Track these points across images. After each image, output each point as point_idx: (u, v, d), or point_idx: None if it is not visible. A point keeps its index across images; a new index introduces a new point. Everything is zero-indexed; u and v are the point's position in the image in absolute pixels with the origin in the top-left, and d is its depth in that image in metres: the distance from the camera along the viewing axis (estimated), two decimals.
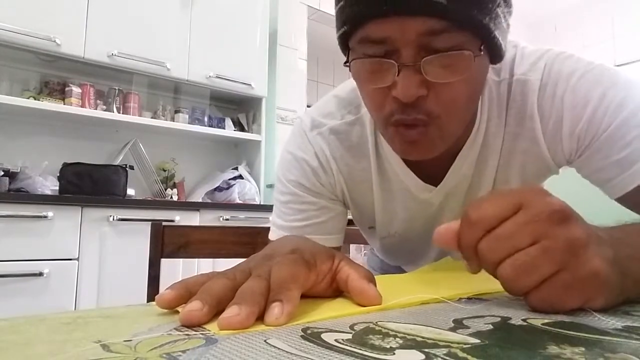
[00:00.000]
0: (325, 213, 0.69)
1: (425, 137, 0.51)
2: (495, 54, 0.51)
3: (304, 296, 0.33)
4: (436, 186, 0.65)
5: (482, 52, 0.47)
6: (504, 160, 0.62)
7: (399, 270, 0.91)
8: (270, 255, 0.37)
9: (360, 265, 0.39)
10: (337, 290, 0.38)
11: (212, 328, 0.28)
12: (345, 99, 0.67)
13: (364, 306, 0.34)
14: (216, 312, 0.30)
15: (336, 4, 0.50)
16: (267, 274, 0.33)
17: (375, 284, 0.36)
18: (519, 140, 0.60)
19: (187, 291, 0.33)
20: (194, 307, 0.29)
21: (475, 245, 0.34)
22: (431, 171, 0.64)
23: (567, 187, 0.70)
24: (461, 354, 0.22)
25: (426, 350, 0.23)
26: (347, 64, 0.52)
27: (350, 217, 0.77)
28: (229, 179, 2.54)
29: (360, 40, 0.49)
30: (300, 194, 0.68)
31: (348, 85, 0.68)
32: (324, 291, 0.38)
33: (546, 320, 0.30)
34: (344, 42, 0.52)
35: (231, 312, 0.28)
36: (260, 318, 0.29)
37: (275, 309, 0.29)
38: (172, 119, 2.51)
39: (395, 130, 0.52)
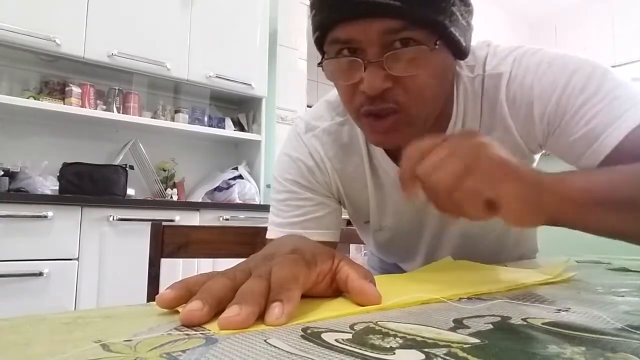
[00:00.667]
0: (322, 208, 0.72)
1: (395, 126, 0.55)
2: (456, 49, 0.56)
3: (304, 296, 0.33)
4: None
5: (437, 46, 0.52)
6: None
7: (399, 269, 0.91)
8: (271, 255, 0.38)
9: (360, 265, 0.39)
10: (337, 290, 0.38)
11: (212, 328, 0.28)
12: (334, 102, 0.72)
13: (364, 306, 0.34)
14: (216, 312, 0.30)
15: (310, 12, 0.57)
16: (268, 273, 0.33)
17: (374, 284, 0.36)
18: (494, 132, 0.63)
19: (188, 291, 0.33)
20: (194, 307, 0.29)
21: (411, 170, 0.42)
22: None
23: None
24: (461, 354, 0.22)
25: (426, 350, 0.23)
26: (320, 64, 0.58)
27: (345, 216, 0.78)
28: (229, 179, 2.54)
29: (331, 42, 0.55)
30: (297, 191, 0.71)
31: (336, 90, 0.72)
32: (324, 291, 0.38)
33: (546, 320, 0.30)
34: (320, 46, 0.58)
35: (231, 312, 0.28)
36: (261, 318, 0.29)
37: (275, 309, 0.29)
38: (172, 119, 2.51)
39: (366, 121, 0.57)
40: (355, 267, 0.38)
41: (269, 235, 0.73)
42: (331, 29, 0.54)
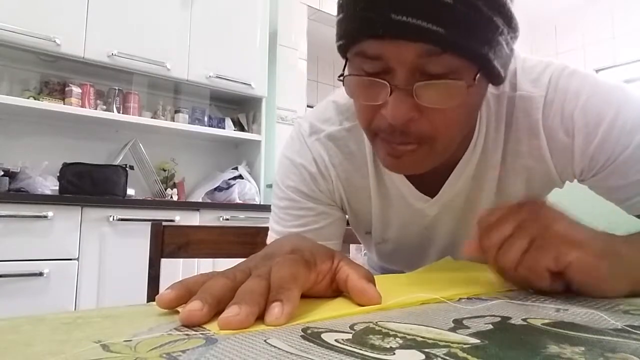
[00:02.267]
0: (323, 219, 0.68)
1: (412, 156, 0.51)
2: (493, 79, 0.50)
3: (304, 296, 0.33)
4: (432, 197, 0.64)
5: (475, 82, 0.46)
6: (504, 176, 0.61)
7: (399, 270, 0.91)
8: (270, 255, 0.37)
9: (360, 265, 0.39)
10: (337, 290, 0.38)
11: (212, 328, 0.28)
12: (343, 105, 0.67)
13: (364, 306, 0.34)
14: (216, 312, 0.30)
15: (338, 14, 0.50)
16: (267, 273, 0.33)
17: (374, 284, 0.36)
18: (521, 158, 0.59)
19: (188, 291, 0.33)
20: (194, 307, 0.29)
21: (479, 243, 0.42)
22: (429, 181, 0.63)
23: (577, 197, 0.69)
24: (461, 354, 0.22)
25: (426, 350, 0.23)
26: (341, 78, 0.51)
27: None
28: (229, 179, 2.54)
29: (357, 53, 0.48)
30: (298, 200, 0.68)
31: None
32: (324, 291, 0.38)
33: (546, 321, 0.30)
34: (343, 52, 0.52)
35: (231, 312, 0.28)
36: (260, 318, 0.29)
37: (275, 309, 0.29)
38: (172, 119, 2.51)
39: (382, 145, 0.52)
40: (355, 267, 0.38)
41: (269, 241, 0.71)
42: (359, 40, 0.47)
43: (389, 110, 0.47)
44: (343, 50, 0.51)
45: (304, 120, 0.70)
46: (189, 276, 0.35)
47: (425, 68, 0.45)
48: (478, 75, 0.46)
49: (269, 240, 0.72)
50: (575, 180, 0.61)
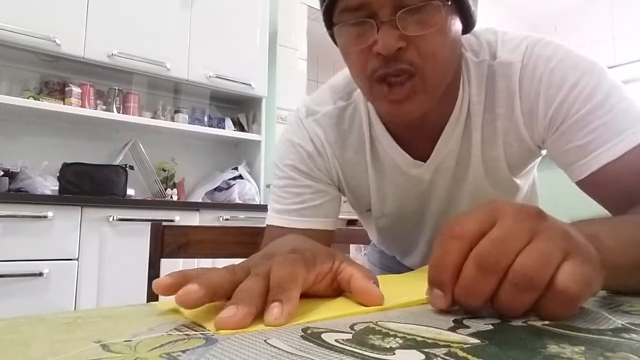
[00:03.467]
0: (321, 196, 0.71)
1: (410, 93, 0.55)
2: (465, 17, 0.57)
3: (303, 296, 0.33)
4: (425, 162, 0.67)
5: (449, 2, 0.53)
6: (486, 138, 0.64)
7: (399, 265, 0.91)
8: (270, 254, 0.37)
9: (362, 265, 0.39)
10: (337, 290, 0.38)
11: (212, 328, 0.28)
12: (337, 86, 0.72)
13: (367, 306, 0.34)
14: (211, 300, 0.31)
15: None
16: (266, 273, 0.33)
17: (377, 284, 0.36)
18: (499, 120, 0.63)
19: (185, 280, 0.33)
20: (191, 289, 0.30)
21: (458, 262, 0.30)
22: (419, 148, 0.67)
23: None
24: (461, 354, 0.22)
25: (426, 350, 0.23)
26: (330, 30, 0.58)
27: (345, 215, 0.77)
28: (229, 179, 2.54)
29: (341, 11, 0.55)
30: (296, 178, 0.71)
31: (341, 75, 0.72)
32: (323, 291, 0.38)
33: (546, 322, 0.30)
34: (329, 18, 0.58)
35: (228, 312, 0.28)
36: (260, 317, 0.29)
37: (274, 310, 0.29)
38: (172, 119, 2.51)
39: (381, 90, 0.56)
40: (357, 267, 0.38)
41: (268, 221, 0.73)
42: None
43: (379, 44, 0.52)
44: (329, 13, 0.58)
45: (301, 105, 0.75)
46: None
47: (403, 3, 0.52)
48: (449, 1, 0.53)
49: (268, 220, 0.73)
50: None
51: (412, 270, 0.89)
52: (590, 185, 0.57)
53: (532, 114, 0.61)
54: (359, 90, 0.68)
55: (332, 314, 0.32)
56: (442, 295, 0.31)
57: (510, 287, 0.29)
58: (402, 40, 0.52)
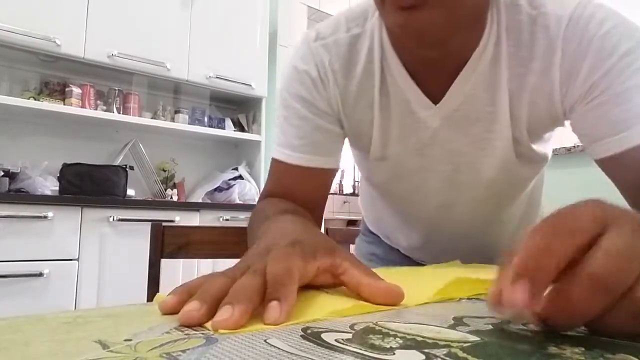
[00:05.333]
0: (322, 133, 0.68)
1: (422, 2, 0.48)
2: None
3: (303, 287, 0.33)
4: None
5: None
6: (513, 92, 0.59)
7: (389, 252, 0.89)
8: (268, 248, 0.37)
9: (364, 265, 0.38)
10: (335, 285, 0.38)
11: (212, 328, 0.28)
12: (353, 13, 0.66)
13: (389, 305, 0.34)
14: (215, 311, 0.30)
15: None
16: (263, 269, 0.33)
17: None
18: (531, 75, 0.57)
19: (189, 295, 0.32)
20: (192, 308, 0.29)
21: (562, 264, 0.24)
22: (435, 91, 0.61)
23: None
24: (461, 354, 0.22)
25: (426, 350, 0.23)
26: None
27: (343, 216, 0.75)
28: (229, 179, 2.54)
29: None
30: (299, 109, 0.67)
31: (359, 2, 0.67)
32: (321, 284, 0.37)
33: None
34: None
35: (224, 313, 0.28)
36: (258, 317, 0.29)
37: (272, 309, 0.29)
38: (172, 119, 2.51)
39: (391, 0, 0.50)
40: (361, 269, 0.37)
41: (274, 155, 0.71)
42: None
43: None
44: None
45: (312, 29, 0.69)
46: (188, 276, 0.36)
47: None
48: None
49: (274, 154, 0.71)
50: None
51: (406, 262, 0.89)
52: (615, 165, 0.53)
53: (570, 75, 0.55)
54: (375, 17, 0.62)
55: (330, 310, 0.32)
56: (528, 290, 0.23)
57: (625, 314, 0.23)
58: None
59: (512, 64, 0.57)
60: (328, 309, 0.32)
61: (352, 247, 1.16)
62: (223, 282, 0.32)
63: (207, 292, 0.31)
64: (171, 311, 0.32)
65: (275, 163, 0.70)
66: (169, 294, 0.33)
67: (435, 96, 0.61)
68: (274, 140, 0.72)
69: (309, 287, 0.36)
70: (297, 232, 0.41)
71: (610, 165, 0.55)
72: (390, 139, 0.67)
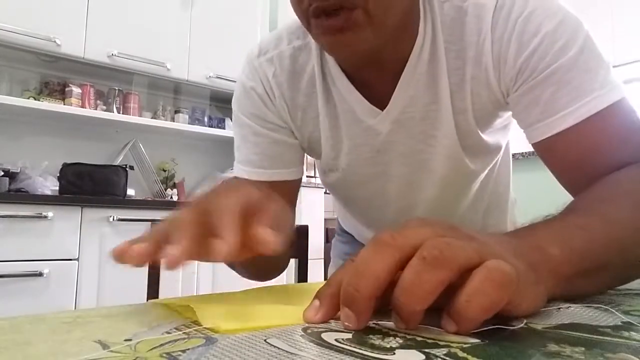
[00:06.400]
0: (279, 146, 0.67)
1: (349, 23, 0.48)
2: None
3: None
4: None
5: None
6: (455, 87, 0.59)
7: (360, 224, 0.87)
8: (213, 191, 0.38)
9: (280, 215, 0.37)
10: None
11: (212, 328, 0.28)
12: (293, 25, 0.66)
13: (261, 253, 0.33)
14: (159, 246, 0.32)
15: None
16: (202, 205, 0.34)
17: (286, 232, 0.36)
18: (468, 65, 0.57)
19: (156, 244, 0.33)
20: (138, 247, 0.32)
21: (392, 270, 0.26)
22: (380, 97, 0.61)
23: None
24: (461, 354, 0.22)
25: (426, 350, 0.23)
26: None
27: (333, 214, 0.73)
28: None
29: None
30: (252, 125, 0.67)
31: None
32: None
33: (546, 321, 0.30)
34: None
35: (169, 251, 0.29)
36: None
37: (217, 245, 0.30)
38: (172, 119, 2.51)
39: (318, 23, 0.50)
40: (271, 215, 0.36)
41: (234, 173, 0.71)
42: None
43: None
44: None
45: (255, 45, 0.70)
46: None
47: None
48: None
49: (234, 172, 0.71)
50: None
51: None
52: (548, 150, 0.54)
53: (501, 60, 0.55)
54: None
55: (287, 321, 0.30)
56: (317, 306, 0.30)
57: (417, 261, 0.26)
58: None
59: (450, 57, 0.57)
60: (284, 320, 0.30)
61: None
62: (165, 224, 0.34)
63: (151, 235, 0.33)
64: (139, 262, 0.33)
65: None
66: (136, 246, 0.34)
67: (380, 101, 0.61)
68: (235, 157, 0.71)
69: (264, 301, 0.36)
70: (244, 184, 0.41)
71: (544, 152, 0.54)
72: (341, 149, 0.67)
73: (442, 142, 0.62)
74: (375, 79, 0.60)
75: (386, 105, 0.60)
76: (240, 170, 0.69)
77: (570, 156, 0.52)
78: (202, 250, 0.31)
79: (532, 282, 0.30)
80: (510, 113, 0.63)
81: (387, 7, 0.50)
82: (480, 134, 0.62)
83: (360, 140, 0.65)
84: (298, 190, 0.73)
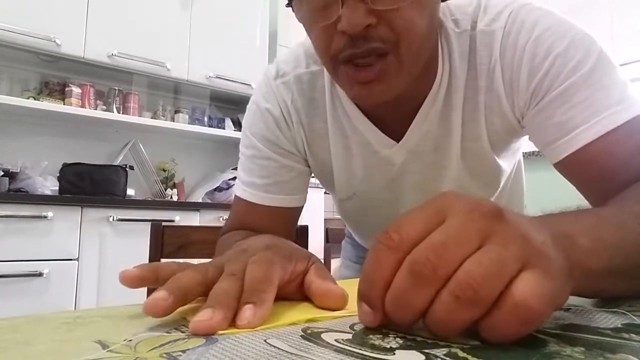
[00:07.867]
0: (287, 172, 0.67)
1: (381, 75, 0.48)
2: None
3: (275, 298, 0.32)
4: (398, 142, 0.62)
5: None
6: (468, 117, 0.59)
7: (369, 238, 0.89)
8: (245, 249, 0.36)
9: (327, 271, 0.37)
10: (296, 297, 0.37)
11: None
12: (311, 47, 0.63)
13: (331, 309, 0.33)
14: (182, 304, 0.30)
15: None
16: (241, 272, 0.32)
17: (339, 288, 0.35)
18: (481, 94, 0.57)
19: (154, 274, 0.32)
20: (160, 297, 0.29)
21: (391, 277, 0.25)
22: (394, 127, 0.61)
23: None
24: (461, 354, 0.22)
25: (426, 350, 0.23)
26: (290, 4, 0.51)
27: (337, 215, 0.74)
28: (229, 179, 2.53)
29: None
30: (262, 149, 0.66)
31: None
32: (294, 293, 0.36)
33: (547, 325, 0.30)
34: None
35: (204, 315, 0.27)
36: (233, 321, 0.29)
37: (247, 312, 0.28)
38: (172, 119, 2.51)
39: (346, 73, 0.50)
40: (322, 274, 0.36)
41: (237, 192, 0.70)
42: None
43: (344, 21, 0.45)
44: None
45: (272, 65, 0.69)
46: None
47: None
48: None
49: (236, 190, 0.70)
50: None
51: None
52: (569, 167, 0.53)
53: (513, 86, 0.55)
54: None
55: (332, 314, 0.32)
56: (371, 312, 0.26)
57: (449, 298, 0.23)
58: (371, 15, 0.45)
59: (466, 87, 0.58)
60: (330, 313, 0.32)
61: None
62: (193, 276, 0.32)
63: (176, 284, 0.30)
64: (130, 283, 0.32)
65: (239, 201, 0.69)
66: (134, 267, 0.33)
67: (395, 132, 0.61)
68: (238, 175, 0.71)
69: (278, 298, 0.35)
70: (272, 239, 0.40)
71: (565, 170, 0.54)
72: (354, 178, 0.67)
73: (451, 172, 0.63)
74: (392, 116, 0.60)
75: (400, 136, 0.61)
76: (243, 191, 0.68)
77: (591, 174, 0.51)
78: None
79: (565, 280, 0.25)
80: (522, 136, 0.64)
81: (418, 52, 0.50)
82: (497, 159, 0.63)
83: (375, 170, 0.65)
84: (298, 218, 0.72)
